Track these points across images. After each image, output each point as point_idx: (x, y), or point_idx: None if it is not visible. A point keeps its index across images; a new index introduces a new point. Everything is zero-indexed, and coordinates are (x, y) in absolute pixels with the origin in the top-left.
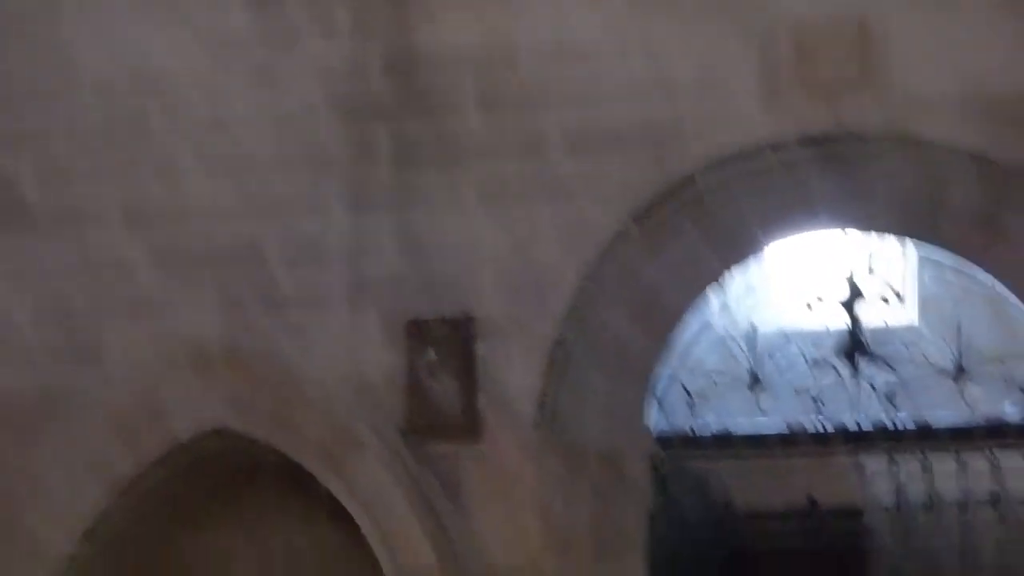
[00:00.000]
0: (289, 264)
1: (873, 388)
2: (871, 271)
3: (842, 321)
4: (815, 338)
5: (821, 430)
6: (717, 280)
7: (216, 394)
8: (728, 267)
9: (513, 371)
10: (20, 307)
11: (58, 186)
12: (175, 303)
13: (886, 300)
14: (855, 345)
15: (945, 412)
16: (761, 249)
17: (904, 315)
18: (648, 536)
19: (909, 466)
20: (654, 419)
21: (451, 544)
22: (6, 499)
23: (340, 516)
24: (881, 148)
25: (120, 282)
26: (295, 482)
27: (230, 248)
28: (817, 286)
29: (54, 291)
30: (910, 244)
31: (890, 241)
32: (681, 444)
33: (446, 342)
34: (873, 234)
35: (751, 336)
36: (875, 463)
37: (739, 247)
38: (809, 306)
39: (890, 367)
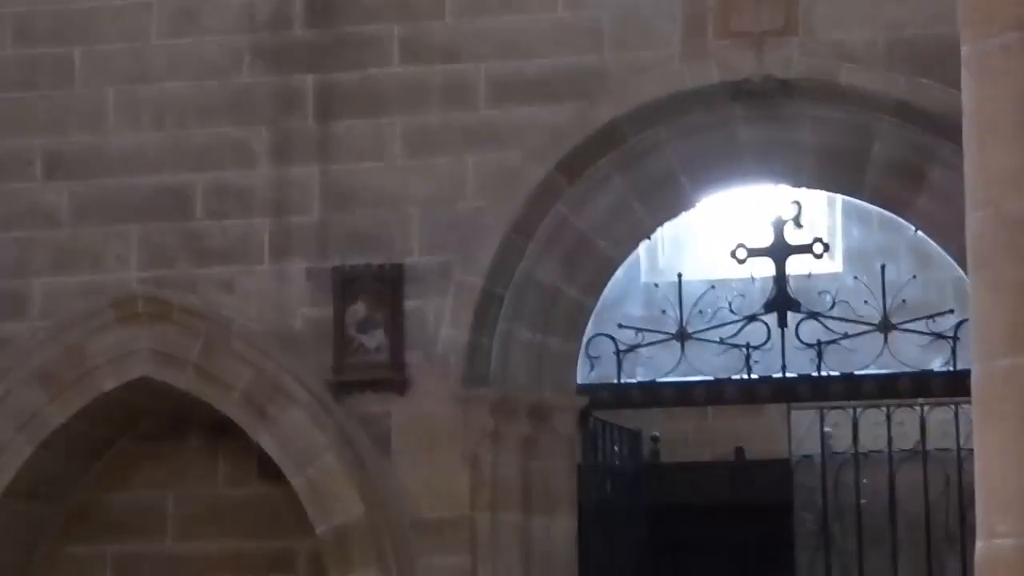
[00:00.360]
0: (214, 214)
1: (800, 340)
2: (798, 222)
3: (769, 272)
4: (742, 289)
5: (749, 382)
6: (647, 232)
7: (142, 345)
8: (658, 219)
9: (441, 323)
10: None
11: None
12: (100, 253)
13: (813, 251)
14: (782, 297)
15: (872, 364)
16: (691, 203)
17: (831, 266)
18: (577, 488)
19: (836, 418)
20: (582, 372)
21: (380, 497)
22: None
23: (269, 469)
24: (807, 97)
25: (44, 232)
26: (224, 435)
27: (155, 198)
28: (744, 236)
29: None
30: (837, 195)
31: (817, 192)
32: (609, 396)
33: (374, 294)
34: (801, 187)
35: (678, 288)
36: (802, 415)
37: (668, 199)
38: (735, 256)
39: (817, 319)
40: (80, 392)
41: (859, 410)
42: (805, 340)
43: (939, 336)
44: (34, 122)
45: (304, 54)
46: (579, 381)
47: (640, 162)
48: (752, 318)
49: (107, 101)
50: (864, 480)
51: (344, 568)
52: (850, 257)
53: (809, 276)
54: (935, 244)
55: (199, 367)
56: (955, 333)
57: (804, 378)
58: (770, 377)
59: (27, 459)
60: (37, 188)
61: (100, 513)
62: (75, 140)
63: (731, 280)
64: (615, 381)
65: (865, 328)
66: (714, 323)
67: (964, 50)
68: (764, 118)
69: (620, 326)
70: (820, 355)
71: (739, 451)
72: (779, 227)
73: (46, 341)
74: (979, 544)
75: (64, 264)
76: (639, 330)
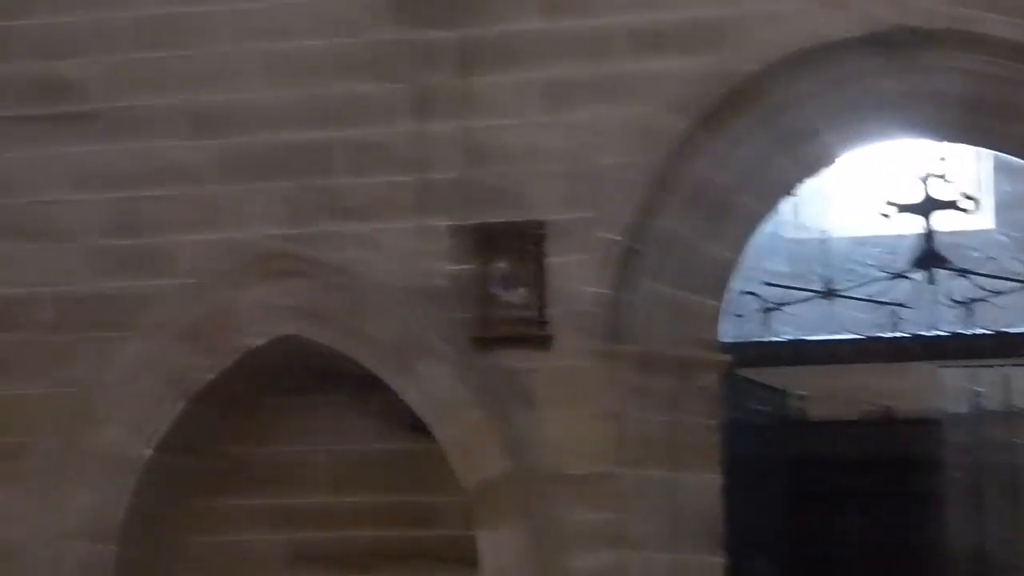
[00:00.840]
0: (356, 171)
1: (949, 297)
2: (944, 177)
3: (917, 228)
4: (890, 245)
5: (897, 340)
6: (790, 187)
7: (287, 302)
8: (801, 174)
9: (584, 279)
10: (91, 215)
11: (124, 92)
12: (243, 211)
13: (960, 207)
14: (930, 253)
15: (1022, 320)
16: (835, 158)
17: (980, 221)
18: (722, 445)
19: (987, 376)
20: (727, 328)
21: (525, 452)
22: (85, 406)
23: (416, 424)
24: (951, 48)
25: (189, 189)
26: (371, 391)
27: (297, 155)
28: (891, 192)
29: (123, 199)
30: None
31: (964, 146)
32: (755, 354)
33: (516, 250)
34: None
35: (824, 244)
36: (952, 372)
37: (811, 154)
38: (884, 214)
39: (966, 275)
40: (228, 349)
41: (1010, 368)
42: (954, 297)
43: None
44: (176, 81)
45: (443, 10)
46: (722, 337)
47: (782, 115)
48: (900, 275)
49: (248, 59)
50: (1016, 439)
51: (491, 523)
52: (1001, 212)
53: (958, 230)
54: None
55: (344, 323)
56: None
57: (953, 336)
58: (919, 335)
59: (179, 414)
60: (180, 146)
61: (250, 468)
62: (217, 98)
63: (877, 236)
64: (760, 338)
65: (1016, 285)
66: (861, 280)
67: None
68: (907, 70)
69: (766, 284)
70: (970, 312)
71: (886, 408)
72: (926, 182)
73: (193, 298)
74: None
75: (208, 221)
76: (787, 287)
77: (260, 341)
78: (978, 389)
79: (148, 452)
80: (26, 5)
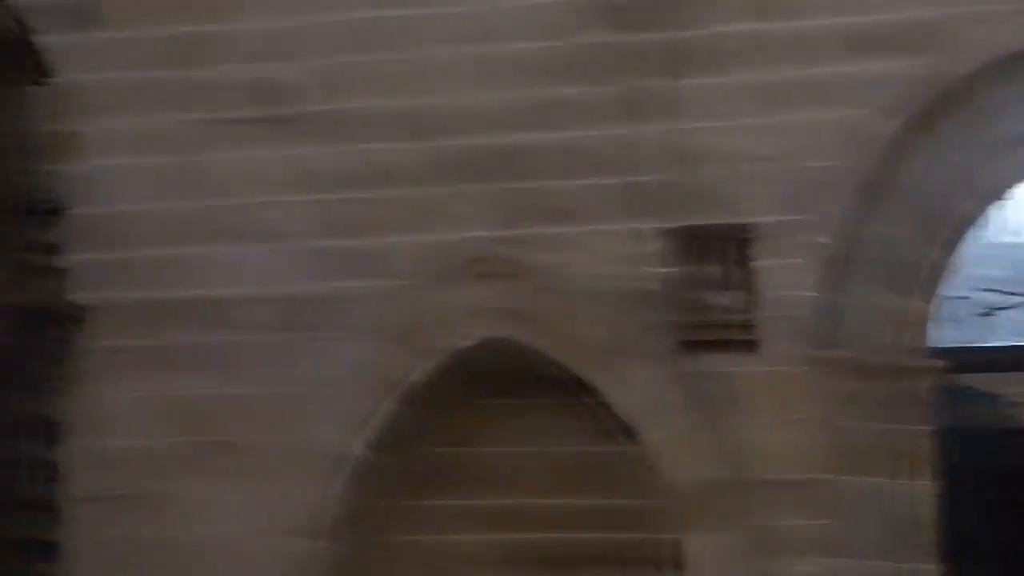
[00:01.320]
0: (565, 173)
1: None
2: None
3: None
4: None
5: None
6: (1002, 190)
7: (497, 304)
8: (1014, 176)
9: (793, 283)
10: (306, 216)
11: (337, 95)
12: (455, 213)
13: None
14: None
15: None
16: None
17: None
18: (937, 452)
19: None
20: (942, 334)
21: (734, 457)
22: (300, 404)
23: (623, 428)
24: None
25: (400, 191)
26: (578, 393)
27: (506, 157)
28: None
29: (337, 201)
30: None
31: None
32: (970, 359)
33: (725, 253)
34: None
35: None
36: None
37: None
38: None
39: None
40: (438, 350)
41: None
42: None
43: None
44: (388, 83)
45: (652, 12)
46: (938, 344)
47: (994, 118)
48: None
49: (458, 62)
50: None
51: (700, 527)
52: None
53: None
54: None
55: (552, 326)
56: None
57: None
58: None
59: (390, 414)
60: (393, 148)
61: (458, 468)
62: (428, 101)
63: None
64: (976, 343)
65: None
66: None
67: None
68: None
69: (983, 289)
70: None
71: None
72: None
73: (405, 299)
74: None
75: (421, 223)
76: (1004, 292)
77: (470, 343)
78: None
79: (361, 451)
80: (240, 10)
